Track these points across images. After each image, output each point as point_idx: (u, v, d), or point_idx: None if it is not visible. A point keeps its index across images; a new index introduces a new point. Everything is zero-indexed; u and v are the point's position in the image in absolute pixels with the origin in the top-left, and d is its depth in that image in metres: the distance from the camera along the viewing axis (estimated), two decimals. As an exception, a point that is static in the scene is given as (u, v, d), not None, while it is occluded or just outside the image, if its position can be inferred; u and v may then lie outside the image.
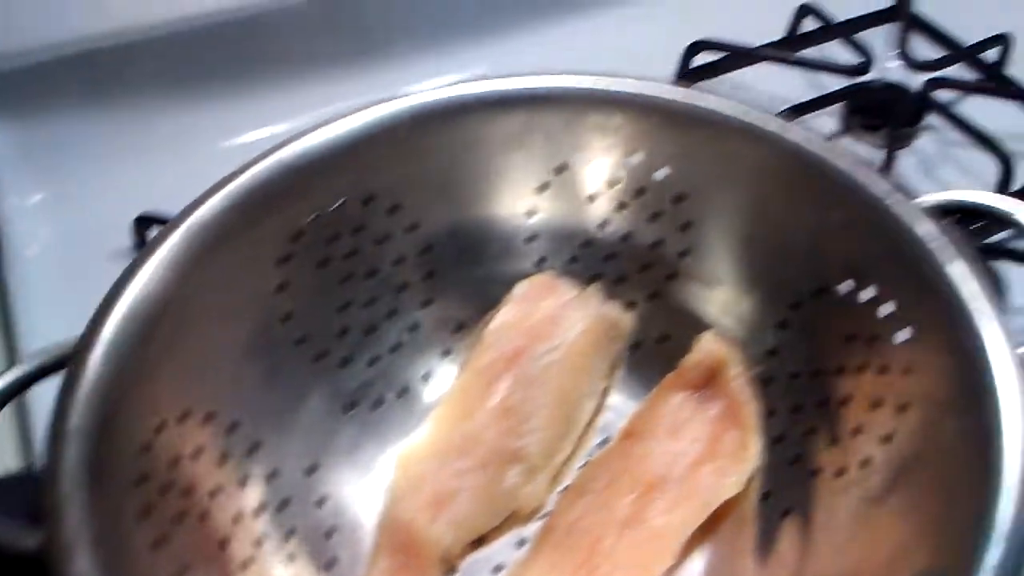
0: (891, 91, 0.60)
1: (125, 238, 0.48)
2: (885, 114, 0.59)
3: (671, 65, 0.64)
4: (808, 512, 0.33)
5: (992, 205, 0.31)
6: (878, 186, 0.32)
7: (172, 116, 0.54)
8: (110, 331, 0.30)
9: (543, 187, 0.39)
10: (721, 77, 0.65)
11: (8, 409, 0.42)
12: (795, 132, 0.35)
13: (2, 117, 0.51)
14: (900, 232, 0.31)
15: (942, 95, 0.61)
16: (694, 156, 0.38)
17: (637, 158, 0.38)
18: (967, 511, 0.26)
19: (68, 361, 0.29)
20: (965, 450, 0.27)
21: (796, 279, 0.35)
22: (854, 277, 0.33)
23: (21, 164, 0.51)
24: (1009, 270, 0.43)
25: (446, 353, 0.40)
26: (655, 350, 0.39)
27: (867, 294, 0.33)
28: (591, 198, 0.39)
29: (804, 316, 0.35)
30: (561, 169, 0.39)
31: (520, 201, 0.40)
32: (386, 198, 0.38)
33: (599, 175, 0.39)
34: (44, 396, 0.40)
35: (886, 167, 0.55)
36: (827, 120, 0.61)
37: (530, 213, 0.40)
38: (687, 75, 0.64)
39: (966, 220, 0.34)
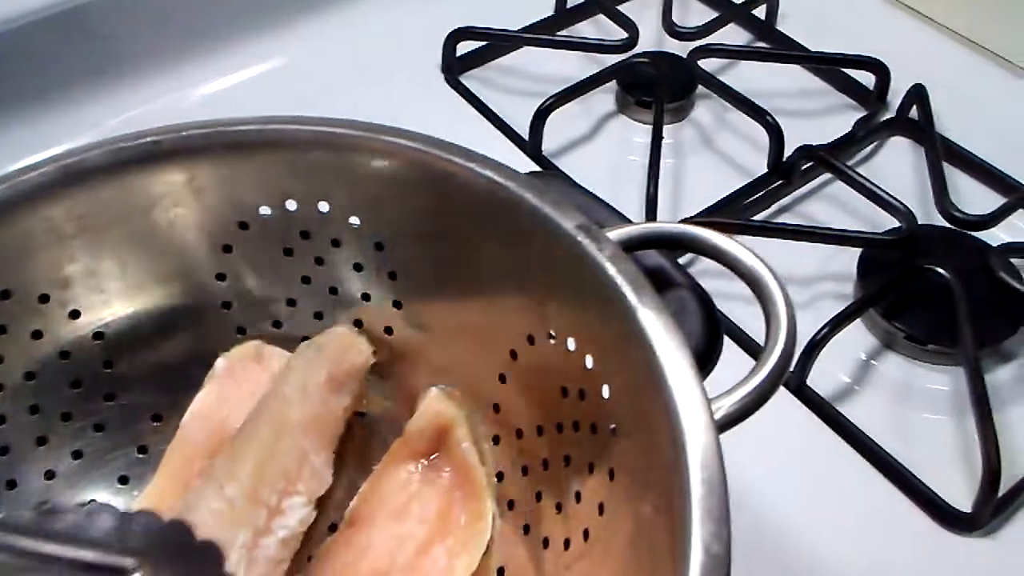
0: (659, 64, 0.57)
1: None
2: (655, 89, 0.56)
3: (437, 55, 0.59)
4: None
5: (688, 233, 0.28)
6: (568, 222, 0.28)
7: None
8: None
9: (228, 247, 0.34)
10: (488, 64, 0.61)
11: None
12: (481, 166, 0.30)
13: None
14: (591, 274, 0.27)
15: (710, 63, 0.59)
16: (384, 198, 0.33)
17: (323, 207, 0.33)
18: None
19: None
20: (661, 528, 0.24)
21: (508, 327, 0.31)
22: (555, 325, 0.29)
23: None
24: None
25: (142, 451, 0.35)
26: (378, 421, 0.35)
27: (571, 343, 0.29)
28: (287, 252, 0.34)
29: (520, 367, 0.31)
30: (244, 226, 0.34)
31: (202, 267, 0.34)
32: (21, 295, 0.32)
33: (293, 224, 0.34)
34: None
35: (656, 144, 0.52)
36: (603, 98, 0.58)
37: (221, 276, 0.34)
38: (452, 65, 0.59)
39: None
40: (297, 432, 0.32)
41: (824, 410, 0.43)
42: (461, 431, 0.33)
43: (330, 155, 0.32)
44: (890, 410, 0.44)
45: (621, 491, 0.27)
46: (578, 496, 0.29)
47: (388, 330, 0.35)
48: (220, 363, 0.35)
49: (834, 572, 0.38)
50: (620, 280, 0.27)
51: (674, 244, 0.28)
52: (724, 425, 0.25)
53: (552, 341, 0.30)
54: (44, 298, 0.32)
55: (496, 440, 0.33)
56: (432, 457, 0.33)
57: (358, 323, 0.35)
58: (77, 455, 0.34)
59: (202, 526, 0.30)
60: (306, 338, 0.35)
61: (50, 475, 0.33)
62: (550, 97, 0.55)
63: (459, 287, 0.33)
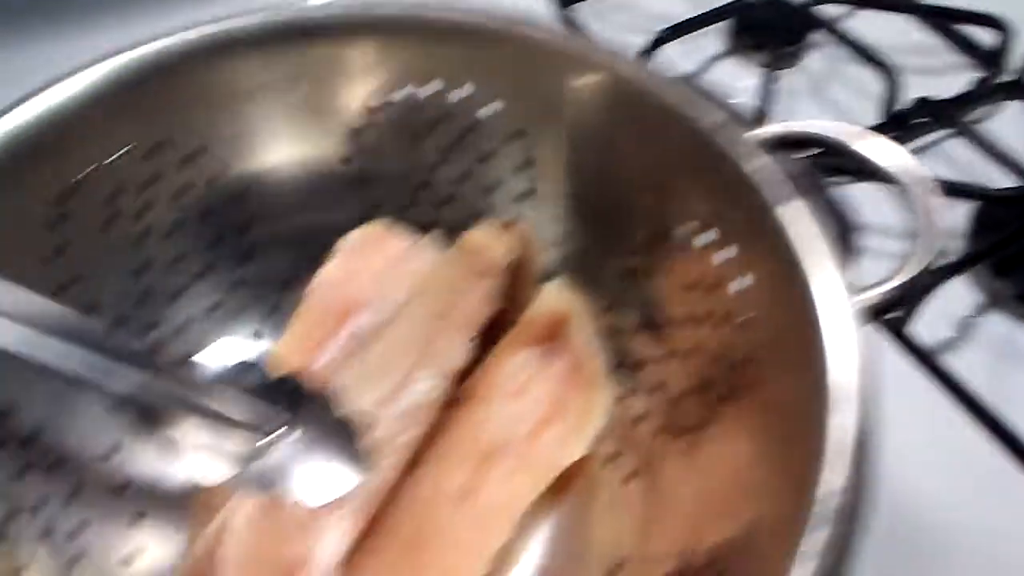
0: (775, 7, 0.57)
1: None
2: (770, 32, 0.56)
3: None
4: (654, 477, 0.31)
5: (827, 135, 0.28)
6: (710, 118, 0.29)
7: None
8: None
9: (356, 133, 0.35)
10: (600, -4, 0.61)
11: None
12: (623, 61, 0.31)
13: None
14: (732, 168, 0.28)
15: (828, 10, 0.58)
16: (527, 87, 0.33)
17: (468, 89, 0.34)
18: (802, 476, 0.24)
19: None
20: (800, 409, 0.25)
21: (638, 224, 0.32)
22: (691, 219, 0.30)
23: None
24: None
25: (274, 309, 0.36)
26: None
27: (705, 238, 0.30)
28: (422, 135, 0.35)
29: (648, 262, 0.32)
30: (379, 108, 0.35)
31: (337, 145, 0.35)
32: (176, 147, 0.33)
33: (427, 109, 0.35)
34: None
35: (766, 88, 0.52)
36: (714, 39, 0.58)
37: (346, 160, 0.35)
38: (564, -5, 0.59)
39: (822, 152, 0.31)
40: (433, 316, 0.33)
41: (925, 357, 0.43)
42: (579, 322, 0.34)
43: (476, 41, 0.33)
44: (993, 368, 0.44)
45: (748, 377, 0.28)
46: (699, 385, 0.30)
47: (514, 221, 0.35)
48: (349, 238, 0.36)
49: (929, 520, 0.38)
50: (759, 176, 0.27)
51: (814, 144, 0.29)
52: (867, 315, 0.25)
53: (684, 237, 0.31)
54: (201, 151, 0.33)
55: (615, 333, 0.34)
56: (549, 345, 0.34)
57: (484, 212, 0.36)
58: (214, 308, 0.35)
59: (341, 389, 0.32)
60: (436, 222, 0.36)
61: (187, 323, 0.35)
62: (661, 33, 0.55)
63: (592, 182, 0.33)
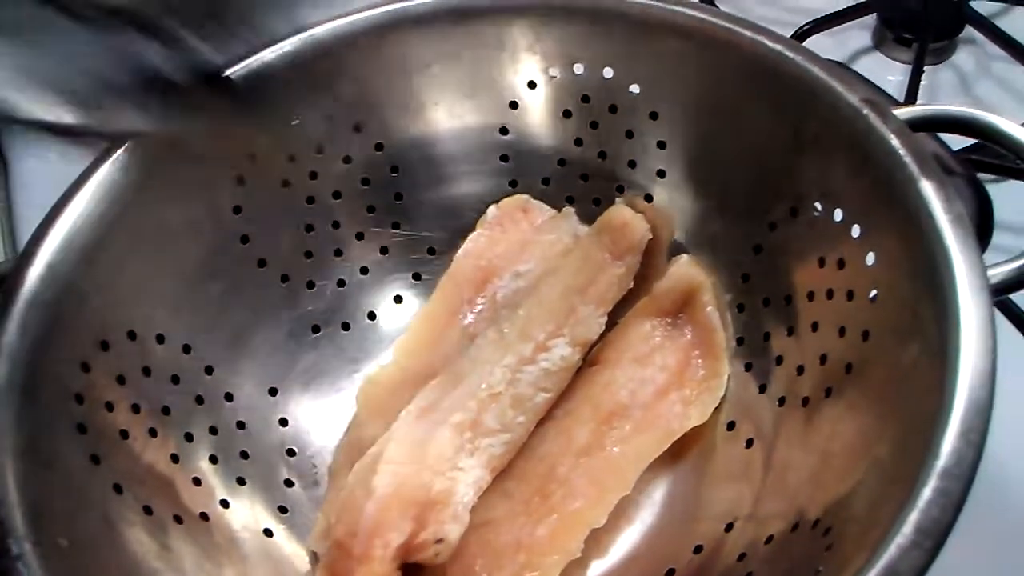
0: (925, 1, 0.56)
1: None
2: (919, 26, 0.55)
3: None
4: (771, 443, 0.32)
5: (976, 117, 0.29)
6: (853, 95, 0.30)
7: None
8: (49, 250, 0.30)
9: (515, 103, 0.38)
10: (743, -10, 0.61)
11: None
12: (767, 38, 0.32)
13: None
14: (873, 146, 0.29)
15: (982, 6, 0.56)
16: (666, 69, 0.35)
17: (608, 73, 0.36)
18: (919, 446, 0.24)
19: (2, 282, 0.29)
20: (922, 380, 0.25)
21: (772, 199, 0.33)
22: (826, 195, 0.31)
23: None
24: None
25: (417, 276, 0.39)
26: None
27: (839, 214, 0.30)
28: (565, 114, 0.38)
29: (778, 239, 0.33)
30: (532, 84, 0.37)
31: (493, 118, 0.38)
32: (349, 117, 0.37)
33: (571, 90, 0.37)
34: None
35: (914, 85, 0.51)
36: (860, 32, 0.58)
37: (504, 130, 0.38)
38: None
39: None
40: (571, 291, 0.35)
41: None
42: (707, 296, 0.35)
43: (622, 24, 0.35)
44: None
45: (874, 350, 0.28)
46: (823, 358, 0.31)
47: (648, 198, 0.37)
48: (492, 210, 0.39)
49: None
50: (904, 153, 0.28)
51: (961, 128, 0.29)
52: (998, 290, 0.26)
53: (817, 213, 0.31)
54: (369, 120, 0.37)
55: (741, 307, 0.35)
56: (676, 317, 0.36)
57: (620, 189, 0.38)
58: (364, 271, 0.39)
59: (478, 349, 0.34)
60: (571, 198, 0.39)
61: (341, 283, 0.38)
62: (805, 25, 0.55)
63: (726, 159, 0.35)
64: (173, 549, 0.29)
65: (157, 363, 0.32)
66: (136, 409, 0.31)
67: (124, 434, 0.30)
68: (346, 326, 0.38)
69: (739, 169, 0.34)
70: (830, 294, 0.31)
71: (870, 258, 0.29)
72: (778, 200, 0.33)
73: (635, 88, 0.36)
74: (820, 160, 0.31)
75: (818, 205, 0.31)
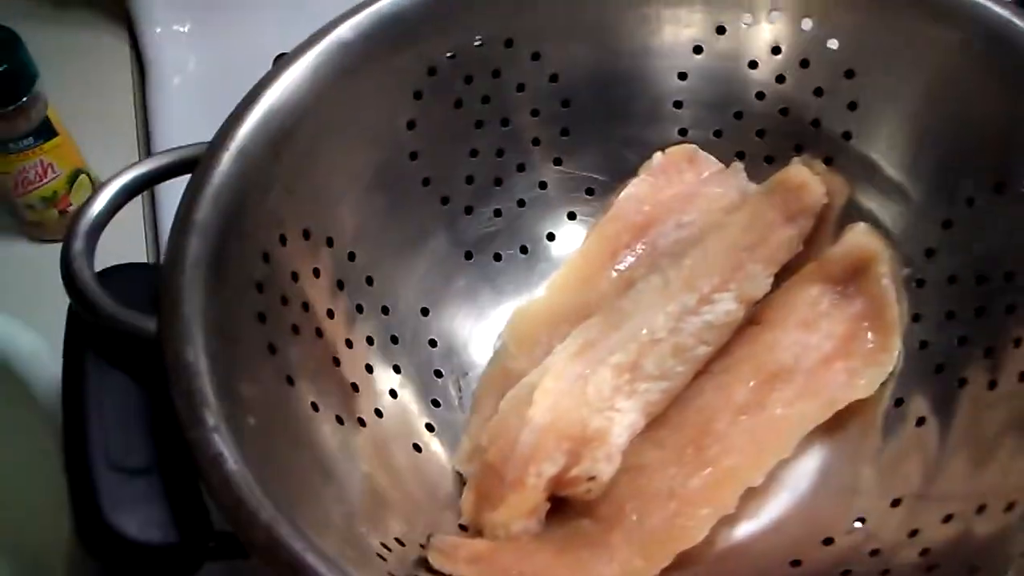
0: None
1: (265, 75, 0.47)
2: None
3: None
4: (947, 424, 0.31)
5: None
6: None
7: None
8: (242, 136, 0.30)
9: (699, 48, 0.36)
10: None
11: (138, 205, 0.44)
12: (990, 6, 0.30)
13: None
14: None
15: None
16: (871, 28, 0.34)
17: (806, 24, 0.35)
18: None
19: (193, 163, 0.29)
20: None
21: (973, 173, 0.32)
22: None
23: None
24: None
25: (572, 216, 0.38)
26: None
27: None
28: (751, 65, 0.36)
29: (976, 214, 0.32)
30: (721, 30, 0.36)
31: (673, 61, 0.37)
32: (529, 43, 0.36)
33: (761, 40, 0.36)
34: (174, 197, 0.42)
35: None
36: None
37: (682, 75, 0.37)
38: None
39: None
40: (739, 247, 0.34)
41: None
42: (882, 268, 0.34)
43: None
44: None
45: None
46: (1018, 342, 0.29)
47: (828, 161, 0.36)
48: (658, 157, 0.38)
49: None
50: None
51: None
52: None
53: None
54: (536, 56, 0.36)
55: (920, 283, 0.33)
56: (846, 286, 0.34)
57: (797, 149, 0.36)
58: (521, 203, 0.38)
59: (640, 293, 0.33)
60: (741, 153, 0.37)
61: (497, 213, 0.38)
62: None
63: (925, 126, 0.33)
64: (335, 448, 0.29)
65: (325, 265, 0.32)
66: (306, 307, 0.31)
67: (295, 329, 0.30)
68: (497, 257, 0.37)
69: (939, 138, 0.33)
70: (1030, 275, 0.29)
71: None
72: (981, 174, 0.31)
73: (833, 43, 0.34)
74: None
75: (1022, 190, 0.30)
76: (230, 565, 0.24)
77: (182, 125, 0.47)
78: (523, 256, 0.38)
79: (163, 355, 0.25)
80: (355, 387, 0.31)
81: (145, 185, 0.30)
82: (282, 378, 0.28)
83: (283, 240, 0.30)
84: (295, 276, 0.30)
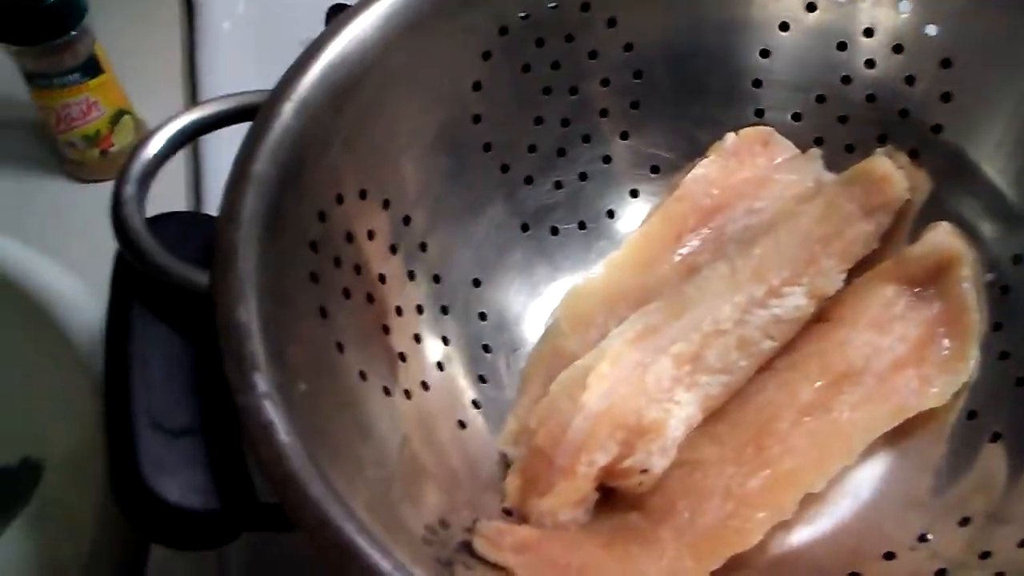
0: None
1: (318, 26, 0.46)
2: None
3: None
4: (1023, 442, 0.29)
5: None
6: None
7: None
8: (305, 87, 0.28)
9: (786, 24, 0.34)
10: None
11: (182, 154, 0.42)
12: None
13: None
14: None
15: None
16: (973, 16, 0.32)
17: (904, 7, 0.33)
18: None
19: (251, 112, 0.27)
20: None
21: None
22: None
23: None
24: None
25: (635, 194, 0.37)
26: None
27: None
28: (840, 46, 0.34)
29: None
30: (812, 7, 0.34)
31: (757, 36, 0.35)
32: (606, 8, 0.34)
33: (854, 20, 0.34)
34: (218, 146, 0.40)
35: None
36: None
37: (764, 52, 0.35)
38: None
39: None
40: (812, 239, 0.32)
41: None
42: (964, 271, 0.32)
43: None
44: None
45: None
46: (1114, 360, 0.28)
47: (913, 154, 0.34)
48: (730, 138, 0.36)
49: None
50: None
51: None
52: None
53: None
54: (612, 22, 0.34)
55: (1005, 290, 0.32)
56: (924, 288, 0.33)
57: (881, 139, 0.34)
58: (583, 176, 0.36)
59: (706, 281, 0.32)
60: (820, 139, 0.35)
61: (558, 185, 0.36)
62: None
63: (1021, 128, 0.31)
64: (383, 420, 0.28)
65: (380, 228, 0.31)
66: (358, 270, 0.29)
67: (347, 293, 0.28)
68: (555, 231, 0.36)
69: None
70: None
71: None
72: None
73: (932, 29, 0.32)
74: None
75: None
76: (269, 536, 0.23)
77: (230, 71, 0.46)
78: (581, 232, 0.36)
79: (215, 312, 0.24)
80: (403, 357, 0.30)
81: (202, 131, 0.28)
82: (332, 344, 0.27)
83: (340, 199, 0.29)
84: (349, 237, 0.29)
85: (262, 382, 0.22)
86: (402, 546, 0.22)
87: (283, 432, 0.21)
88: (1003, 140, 0.32)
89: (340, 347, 0.27)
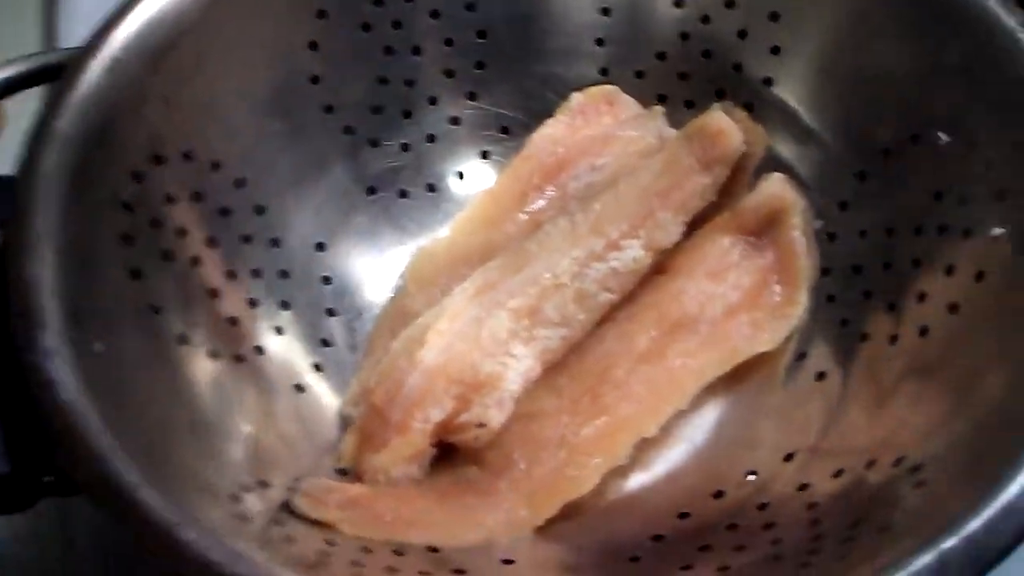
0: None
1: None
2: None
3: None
4: (846, 378, 0.30)
5: None
6: (1008, 20, 0.27)
7: None
8: (116, 45, 0.27)
9: (628, -18, 0.35)
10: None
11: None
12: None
13: None
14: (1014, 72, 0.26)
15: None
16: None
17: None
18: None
19: (58, 71, 0.26)
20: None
21: (890, 124, 0.31)
22: (958, 125, 0.28)
23: None
24: None
25: (484, 155, 0.37)
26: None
27: (968, 145, 0.28)
28: (676, 3, 0.35)
29: (890, 167, 0.31)
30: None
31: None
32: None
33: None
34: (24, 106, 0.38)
35: None
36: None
37: (605, 11, 0.35)
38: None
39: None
40: (651, 193, 0.33)
41: None
42: (795, 219, 0.33)
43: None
44: None
45: (985, 291, 0.26)
46: (922, 296, 0.29)
47: (748, 107, 0.34)
48: (576, 97, 0.36)
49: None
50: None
51: None
52: None
53: (942, 142, 0.29)
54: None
55: (832, 236, 0.33)
56: (759, 237, 0.33)
57: (719, 94, 0.35)
58: (431, 139, 0.36)
59: (546, 236, 0.32)
60: (663, 96, 0.36)
61: (405, 148, 0.36)
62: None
63: (846, 74, 0.32)
64: (204, 383, 0.27)
65: (209, 190, 0.30)
66: (182, 233, 0.29)
67: (167, 255, 0.28)
68: (403, 193, 0.36)
69: (859, 87, 0.32)
70: (943, 229, 0.29)
71: (997, 195, 0.27)
72: (899, 125, 0.30)
73: (752, -13, 0.33)
74: (959, 87, 0.28)
75: (943, 135, 0.29)
76: (70, 503, 0.23)
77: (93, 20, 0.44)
78: (430, 194, 0.36)
79: (5, 270, 0.23)
80: (234, 321, 0.30)
81: (5, 91, 0.27)
82: (145, 306, 0.26)
83: (159, 160, 0.28)
84: (170, 198, 0.28)
85: (49, 339, 0.22)
86: (204, 505, 0.22)
87: (67, 390, 0.21)
88: (823, 90, 0.33)
89: (156, 309, 0.27)
